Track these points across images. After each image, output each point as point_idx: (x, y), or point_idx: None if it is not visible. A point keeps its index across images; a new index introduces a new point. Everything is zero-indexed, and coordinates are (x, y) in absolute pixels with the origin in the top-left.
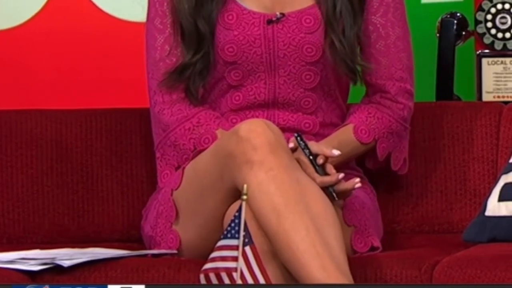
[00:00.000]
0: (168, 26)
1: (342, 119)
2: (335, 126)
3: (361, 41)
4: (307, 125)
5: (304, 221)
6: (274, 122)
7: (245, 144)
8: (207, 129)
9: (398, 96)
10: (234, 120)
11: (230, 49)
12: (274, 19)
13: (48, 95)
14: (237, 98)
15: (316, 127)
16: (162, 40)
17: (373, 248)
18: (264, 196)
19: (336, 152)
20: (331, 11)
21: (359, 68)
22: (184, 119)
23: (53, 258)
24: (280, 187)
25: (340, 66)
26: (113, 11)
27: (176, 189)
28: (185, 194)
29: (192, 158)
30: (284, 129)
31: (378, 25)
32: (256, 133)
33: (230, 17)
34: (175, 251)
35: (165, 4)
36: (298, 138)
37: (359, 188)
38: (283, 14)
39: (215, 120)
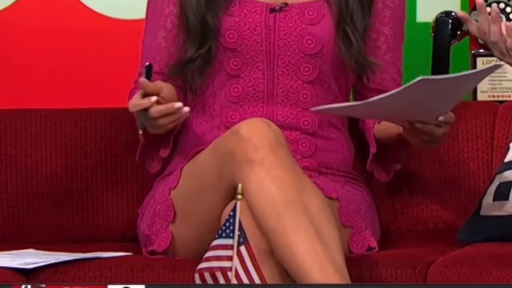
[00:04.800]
0: (157, 16)
1: (342, 121)
2: (334, 127)
3: (370, 49)
4: (306, 122)
5: (304, 222)
6: (273, 118)
7: (246, 143)
8: None
9: None
10: (233, 117)
11: (230, 35)
12: (277, 8)
13: (43, 95)
14: (236, 90)
15: (315, 126)
16: (149, 28)
17: (369, 249)
18: (264, 196)
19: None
20: (344, 6)
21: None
22: (135, 89)
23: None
24: (280, 186)
25: (350, 59)
26: (103, 10)
27: (174, 188)
28: (183, 193)
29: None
30: (283, 126)
31: (389, 36)
32: (257, 132)
33: (233, 4)
34: (129, 254)
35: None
36: (147, 66)
37: (355, 191)
38: (286, 4)
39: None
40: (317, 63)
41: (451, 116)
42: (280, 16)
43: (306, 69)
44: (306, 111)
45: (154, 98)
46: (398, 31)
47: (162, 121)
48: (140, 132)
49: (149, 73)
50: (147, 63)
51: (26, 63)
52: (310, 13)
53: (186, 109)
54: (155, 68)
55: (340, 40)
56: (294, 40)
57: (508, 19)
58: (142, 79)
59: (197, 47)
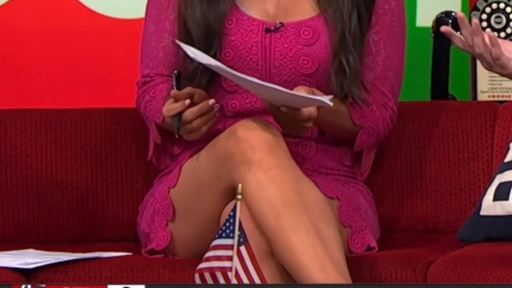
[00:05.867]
0: (161, 20)
1: None
2: None
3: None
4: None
5: (303, 222)
6: None
7: (244, 144)
8: (159, 100)
9: (381, 108)
10: (231, 124)
11: (227, 54)
12: (272, 28)
13: (43, 95)
14: (233, 105)
15: (314, 133)
16: (152, 31)
17: (369, 248)
18: (263, 196)
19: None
20: (346, 31)
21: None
22: (144, 92)
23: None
24: (279, 187)
25: (336, 88)
26: (103, 9)
27: (173, 187)
28: (182, 192)
29: (160, 129)
30: (282, 134)
31: (370, 41)
32: (255, 133)
33: (230, 22)
34: (129, 254)
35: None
36: (176, 75)
37: (355, 190)
38: (282, 24)
39: (168, 90)
40: (314, 80)
41: (290, 109)
42: (275, 36)
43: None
44: None
45: (187, 101)
46: (386, 38)
47: (196, 124)
48: (176, 136)
49: (178, 82)
50: (175, 72)
51: (26, 63)
52: (306, 33)
53: (217, 106)
54: (163, 71)
55: (333, 72)
56: (290, 61)
57: (508, 19)
58: (173, 91)
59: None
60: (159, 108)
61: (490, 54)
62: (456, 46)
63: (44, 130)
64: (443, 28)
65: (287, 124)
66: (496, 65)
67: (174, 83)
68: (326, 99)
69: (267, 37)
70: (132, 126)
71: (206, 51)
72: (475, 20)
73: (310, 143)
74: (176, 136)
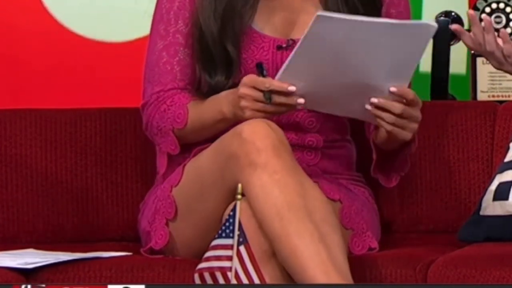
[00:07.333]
0: (171, 34)
1: (346, 133)
2: (338, 141)
3: None
4: (310, 142)
5: (308, 227)
6: None
7: (249, 146)
8: (180, 106)
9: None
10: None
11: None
12: (284, 45)
13: (43, 95)
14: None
15: (320, 144)
16: (161, 47)
17: (370, 249)
18: (268, 199)
19: (291, 88)
20: None
21: None
22: (159, 103)
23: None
24: (284, 190)
25: None
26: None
27: (176, 185)
28: (185, 191)
29: (177, 139)
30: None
31: None
32: (260, 135)
33: (241, 39)
34: (129, 254)
35: (172, 12)
36: (262, 66)
37: (358, 191)
38: (293, 41)
39: (188, 98)
40: None
41: (407, 91)
42: (287, 53)
43: None
44: (310, 133)
45: (292, 88)
46: None
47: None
48: (268, 102)
49: (262, 72)
50: (261, 65)
51: (26, 63)
52: None
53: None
54: (179, 84)
55: None
56: None
57: (508, 19)
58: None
59: (225, 76)
60: (180, 113)
61: (502, 51)
62: (465, 44)
63: (44, 130)
64: (454, 26)
65: (391, 121)
66: (507, 63)
67: (261, 75)
68: (428, 21)
69: (278, 54)
70: (132, 126)
71: (228, 74)
72: (487, 18)
73: (316, 152)
74: (268, 102)
